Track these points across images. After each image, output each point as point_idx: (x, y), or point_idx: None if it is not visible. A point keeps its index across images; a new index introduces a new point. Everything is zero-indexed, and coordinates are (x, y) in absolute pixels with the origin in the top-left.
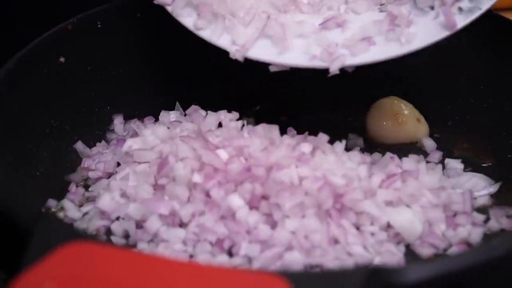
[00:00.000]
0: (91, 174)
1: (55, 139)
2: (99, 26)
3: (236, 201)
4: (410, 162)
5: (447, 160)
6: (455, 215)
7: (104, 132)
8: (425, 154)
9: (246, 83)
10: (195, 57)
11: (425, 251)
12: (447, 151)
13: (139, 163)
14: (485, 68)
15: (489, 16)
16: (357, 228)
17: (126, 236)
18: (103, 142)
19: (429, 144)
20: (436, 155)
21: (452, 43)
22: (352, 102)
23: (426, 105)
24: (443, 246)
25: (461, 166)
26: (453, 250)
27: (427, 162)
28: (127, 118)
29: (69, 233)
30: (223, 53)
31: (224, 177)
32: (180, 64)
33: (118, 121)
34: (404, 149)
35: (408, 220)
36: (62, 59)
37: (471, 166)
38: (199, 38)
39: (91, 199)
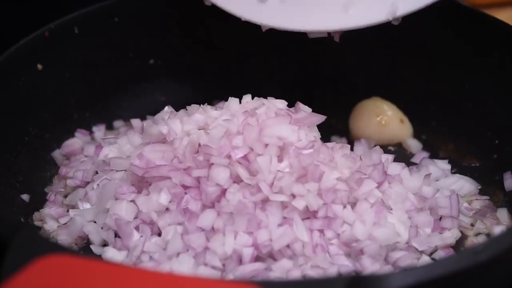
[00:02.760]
0: (69, 182)
1: (34, 148)
2: (76, 31)
3: (210, 216)
4: (395, 167)
5: (434, 161)
6: (441, 218)
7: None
8: (410, 155)
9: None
10: (173, 61)
11: (410, 256)
12: (433, 152)
13: (116, 171)
14: (469, 67)
15: (473, 13)
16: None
17: (105, 245)
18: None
19: (414, 145)
20: (421, 156)
21: (435, 42)
22: (334, 103)
23: (409, 106)
24: (429, 251)
25: (448, 167)
26: (439, 254)
27: (412, 163)
28: (107, 125)
29: (46, 245)
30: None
31: (197, 193)
32: (158, 68)
33: (97, 128)
34: (388, 150)
35: (391, 233)
36: (39, 66)
37: (456, 167)
38: (176, 44)
39: (70, 208)
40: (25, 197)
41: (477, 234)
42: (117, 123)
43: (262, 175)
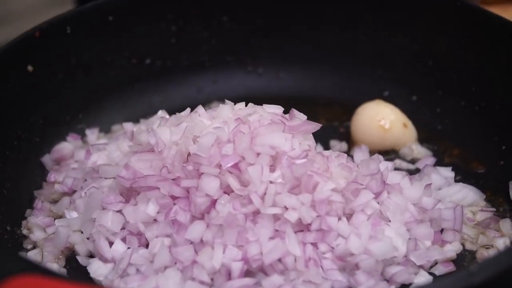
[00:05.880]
0: (56, 187)
1: (24, 152)
2: (68, 31)
3: (199, 228)
4: (395, 176)
5: (437, 169)
6: (442, 230)
7: None
8: (413, 161)
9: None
10: (171, 61)
11: (408, 271)
12: (437, 158)
13: (105, 178)
14: (476, 68)
15: (479, 13)
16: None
17: (91, 256)
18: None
19: (417, 150)
20: (425, 162)
21: (440, 42)
22: (336, 105)
23: (413, 109)
24: (428, 265)
25: (452, 174)
26: (438, 268)
27: (416, 169)
28: (101, 127)
29: (19, 264)
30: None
31: (187, 204)
32: (155, 69)
33: (91, 131)
34: (390, 156)
35: (388, 247)
36: (30, 68)
37: (461, 174)
38: (173, 42)
39: (57, 216)
40: (12, 204)
41: (488, 247)
42: (116, 127)
43: (254, 185)
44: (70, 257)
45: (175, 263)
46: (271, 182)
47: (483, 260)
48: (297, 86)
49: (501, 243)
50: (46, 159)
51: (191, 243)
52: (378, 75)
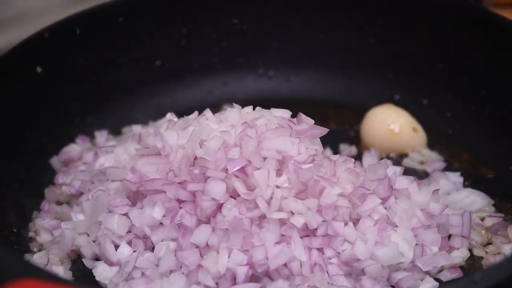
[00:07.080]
0: (64, 189)
1: (31, 153)
2: (78, 32)
3: (205, 232)
4: (403, 181)
5: (445, 174)
6: (449, 235)
7: None
8: (422, 165)
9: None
10: (181, 63)
11: (413, 277)
12: (446, 163)
13: (112, 181)
14: (486, 72)
15: (490, 16)
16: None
17: (97, 258)
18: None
19: (427, 154)
20: (434, 167)
21: (452, 45)
22: (346, 109)
23: (423, 113)
24: (434, 271)
25: (460, 180)
26: (445, 274)
27: (425, 174)
28: (110, 129)
29: (20, 269)
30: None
31: (193, 208)
32: (165, 71)
33: (100, 133)
34: (399, 160)
35: (394, 252)
36: (39, 69)
37: (470, 179)
38: (184, 44)
39: (64, 218)
40: (19, 206)
41: (495, 254)
42: (126, 129)
43: (260, 190)
44: (76, 259)
45: (180, 267)
46: (277, 186)
47: (488, 266)
48: (307, 89)
49: (508, 250)
50: (54, 161)
51: (197, 247)
52: (388, 78)
